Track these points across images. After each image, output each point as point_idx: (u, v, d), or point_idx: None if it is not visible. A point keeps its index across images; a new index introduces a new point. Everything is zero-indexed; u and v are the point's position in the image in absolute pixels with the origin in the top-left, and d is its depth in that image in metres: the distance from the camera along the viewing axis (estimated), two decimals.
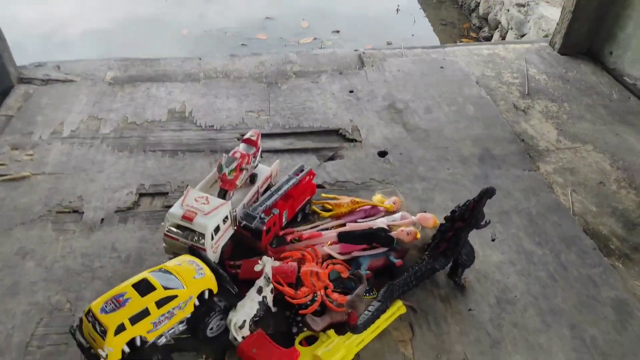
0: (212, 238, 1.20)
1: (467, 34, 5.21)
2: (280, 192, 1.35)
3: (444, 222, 1.25)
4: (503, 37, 4.57)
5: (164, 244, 1.25)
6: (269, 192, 1.35)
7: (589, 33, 2.39)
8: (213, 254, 1.22)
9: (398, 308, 1.20)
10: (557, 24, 2.46)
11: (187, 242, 1.20)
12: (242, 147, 1.42)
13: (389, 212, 1.46)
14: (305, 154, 1.70)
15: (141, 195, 1.50)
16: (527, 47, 2.49)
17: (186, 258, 1.12)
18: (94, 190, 1.50)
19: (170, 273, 1.05)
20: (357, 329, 1.08)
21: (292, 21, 5.24)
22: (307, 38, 5.05)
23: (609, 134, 1.90)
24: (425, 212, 1.47)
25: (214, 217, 1.19)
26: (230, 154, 1.36)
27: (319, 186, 1.56)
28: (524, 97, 2.09)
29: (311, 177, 1.46)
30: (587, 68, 2.33)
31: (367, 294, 1.22)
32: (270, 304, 1.15)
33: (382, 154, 1.73)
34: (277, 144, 1.73)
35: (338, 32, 5.15)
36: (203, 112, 1.87)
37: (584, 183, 1.66)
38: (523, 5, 4.37)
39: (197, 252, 1.18)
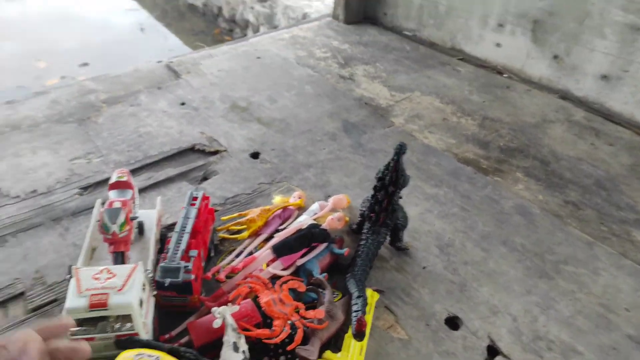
0: (141, 315, 0.90)
1: (222, 38, 5.30)
2: (187, 230, 1.10)
3: (374, 193, 1.20)
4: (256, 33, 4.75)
5: None
6: (174, 235, 1.08)
7: (362, 1, 2.62)
8: (146, 335, 0.92)
9: (371, 296, 1.10)
10: None
11: (109, 336, 0.88)
12: (114, 195, 1.10)
13: (300, 209, 1.35)
14: (173, 183, 1.43)
15: None
16: (317, 24, 2.60)
17: (128, 355, 0.81)
18: None
19: None
20: (363, 335, 0.95)
21: (24, 65, 4.51)
22: (53, 79, 4.43)
23: (424, 78, 2.12)
24: (330, 196, 1.40)
25: (133, 290, 0.89)
26: (107, 206, 1.04)
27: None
28: (343, 67, 2.17)
29: (207, 202, 1.23)
30: (374, 31, 2.56)
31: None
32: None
33: (255, 155, 1.58)
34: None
35: (87, 64, 4.64)
36: (11, 179, 1.40)
37: (433, 124, 1.81)
38: (265, 0, 4.59)
39: (130, 341, 0.87)
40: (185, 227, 1.11)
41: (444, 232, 1.33)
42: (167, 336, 0.99)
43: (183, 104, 1.80)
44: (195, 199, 1.20)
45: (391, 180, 1.16)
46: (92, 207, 1.26)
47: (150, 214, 1.19)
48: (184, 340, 0.97)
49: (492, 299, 1.15)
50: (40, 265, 1.15)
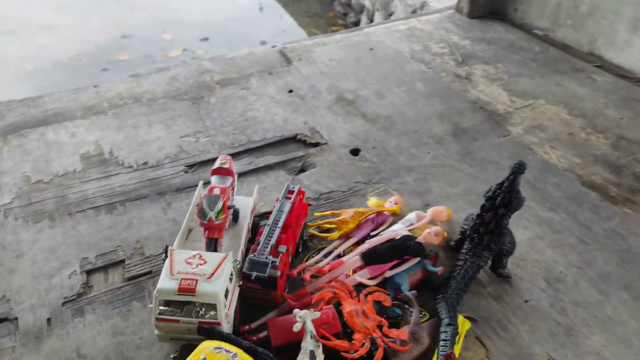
0: (225, 305, 0.90)
1: (335, 22, 5.27)
2: (280, 225, 1.09)
3: (480, 212, 1.09)
4: (370, 20, 4.67)
5: (156, 331, 0.92)
6: (266, 228, 1.07)
7: None
8: (227, 325, 0.92)
9: (462, 324, 1.01)
10: None
11: (193, 321, 0.89)
12: (215, 180, 1.12)
13: (395, 215, 1.28)
14: (272, 171, 1.44)
15: (89, 272, 1.12)
16: (437, 16, 2.46)
17: (208, 346, 0.82)
18: (22, 284, 1.08)
19: None
20: None
21: (153, 35, 4.85)
22: (176, 50, 4.72)
23: (551, 85, 1.91)
24: (429, 205, 1.31)
25: (221, 279, 0.90)
26: (207, 192, 1.06)
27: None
28: (460, 65, 2.03)
29: (302, 196, 1.21)
30: (500, 27, 2.36)
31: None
32: None
33: (355, 152, 1.53)
34: (234, 167, 1.44)
35: (207, 39, 4.89)
36: (127, 149, 1.50)
37: (556, 137, 1.62)
38: None
39: (211, 330, 0.88)
40: (278, 220, 1.10)
41: (555, 265, 1.18)
42: (246, 327, 0.99)
43: (291, 91, 1.79)
44: (291, 192, 1.18)
45: (503, 202, 1.05)
46: (194, 186, 1.30)
47: (245, 202, 1.19)
48: (262, 334, 0.96)
49: (604, 350, 1.00)
50: (141, 236, 1.21)
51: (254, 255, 1.01)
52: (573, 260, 1.20)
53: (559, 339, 1.02)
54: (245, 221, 1.14)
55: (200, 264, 0.92)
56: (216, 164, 1.14)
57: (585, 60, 2.08)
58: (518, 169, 1.03)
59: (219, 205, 1.02)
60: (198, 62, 1.95)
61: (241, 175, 1.41)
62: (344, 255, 1.16)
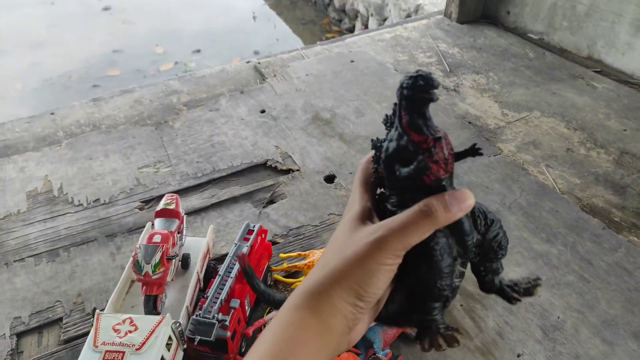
0: None
1: (330, 28, 5.16)
2: (233, 273, 0.95)
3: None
4: (365, 26, 4.54)
5: None
6: (217, 279, 0.94)
7: None
8: None
9: None
10: None
11: None
12: (158, 224, 0.98)
13: None
14: (236, 205, 1.30)
15: (20, 335, 0.99)
16: (425, 22, 2.32)
17: None
18: None
19: None
20: None
21: (144, 49, 4.77)
22: (167, 64, 4.61)
23: (547, 94, 1.76)
24: None
25: (153, 350, 0.76)
26: (145, 241, 0.92)
27: (271, 243, 1.18)
28: (448, 76, 1.88)
29: (264, 236, 1.07)
30: (491, 32, 2.21)
31: None
32: None
33: (330, 178, 1.39)
34: (195, 201, 1.30)
35: (199, 51, 4.79)
36: (78, 185, 1.36)
37: (552, 155, 1.47)
38: None
39: None
40: (231, 268, 0.96)
41: (552, 309, 1.03)
42: None
43: (263, 111, 1.66)
44: (250, 232, 1.05)
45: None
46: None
47: (198, 244, 1.06)
48: None
49: None
50: (84, 288, 1.07)
51: (199, 315, 0.87)
52: (572, 302, 1.05)
53: None
54: (195, 269, 1.00)
55: (130, 331, 0.78)
56: (160, 205, 1.01)
57: (583, 65, 1.93)
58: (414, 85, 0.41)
59: (157, 257, 0.88)
60: (165, 82, 1.82)
61: (202, 210, 1.27)
62: None
